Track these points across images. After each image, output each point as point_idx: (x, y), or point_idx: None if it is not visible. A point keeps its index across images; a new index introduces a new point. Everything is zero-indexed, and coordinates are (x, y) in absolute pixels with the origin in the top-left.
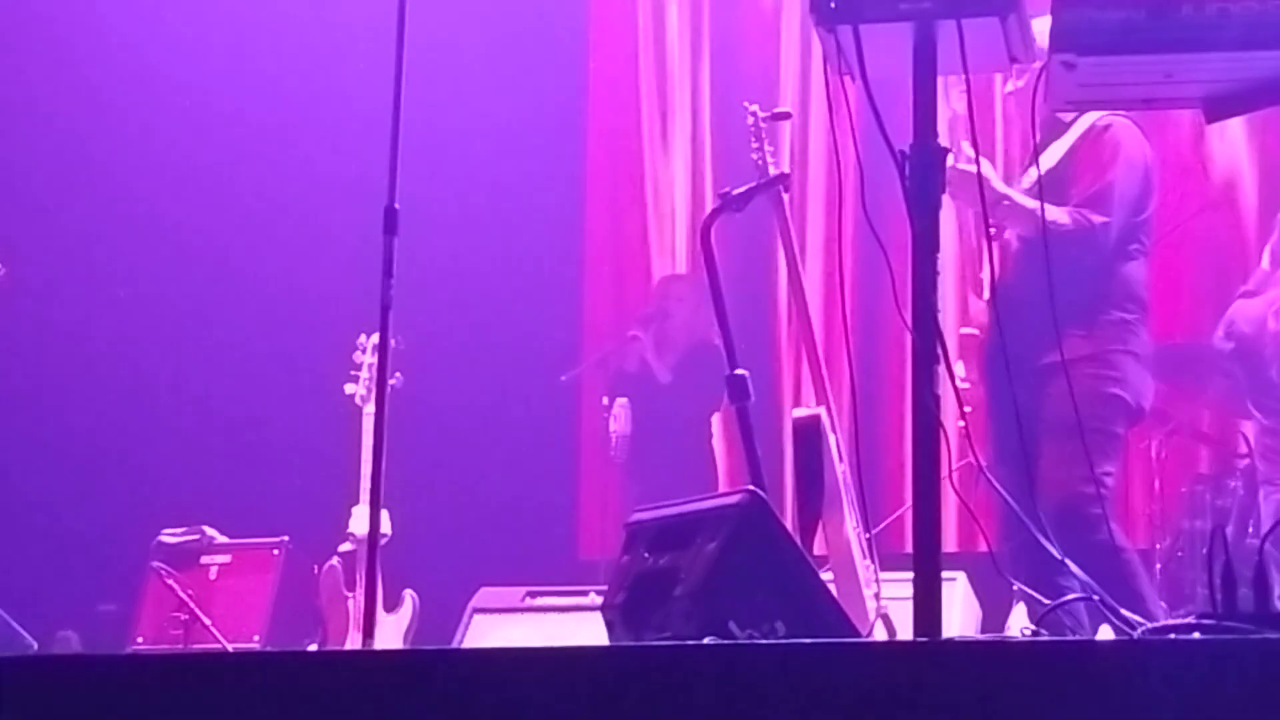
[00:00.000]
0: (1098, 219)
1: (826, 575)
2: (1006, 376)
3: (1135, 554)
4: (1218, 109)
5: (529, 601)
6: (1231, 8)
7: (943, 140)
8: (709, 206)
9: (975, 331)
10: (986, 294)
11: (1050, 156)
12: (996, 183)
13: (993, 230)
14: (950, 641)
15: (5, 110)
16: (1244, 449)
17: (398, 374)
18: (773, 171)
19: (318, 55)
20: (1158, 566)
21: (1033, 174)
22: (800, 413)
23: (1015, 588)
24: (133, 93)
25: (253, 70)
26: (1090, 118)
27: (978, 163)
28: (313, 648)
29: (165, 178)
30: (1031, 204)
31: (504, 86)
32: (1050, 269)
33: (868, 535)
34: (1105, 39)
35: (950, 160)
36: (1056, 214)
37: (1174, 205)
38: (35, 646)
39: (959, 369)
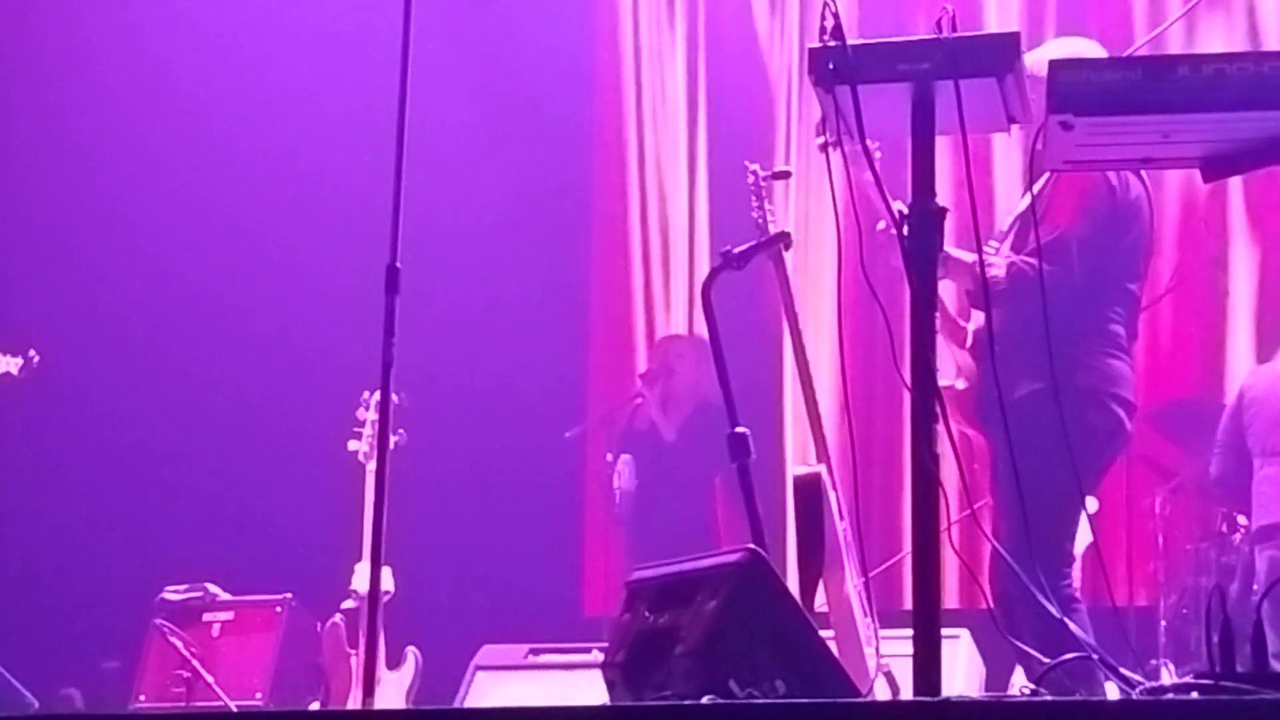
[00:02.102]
0: (1048, 268)
1: (827, 633)
2: (996, 425)
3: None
4: (1215, 168)
5: (532, 659)
6: (1228, 69)
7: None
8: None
9: (948, 383)
10: (969, 341)
11: (1023, 202)
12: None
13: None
14: (948, 701)
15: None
16: None
17: (400, 431)
18: (773, 229)
19: (321, 115)
20: (1162, 624)
21: (1007, 223)
22: (801, 470)
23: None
24: (132, 153)
25: (255, 129)
26: None
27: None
28: (315, 705)
29: (168, 235)
30: (970, 258)
31: (508, 142)
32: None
33: (868, 592)
34: (1102, 99)
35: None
36: (998, 266)
37: (1178, 261)
38: (36, 705)
39: None
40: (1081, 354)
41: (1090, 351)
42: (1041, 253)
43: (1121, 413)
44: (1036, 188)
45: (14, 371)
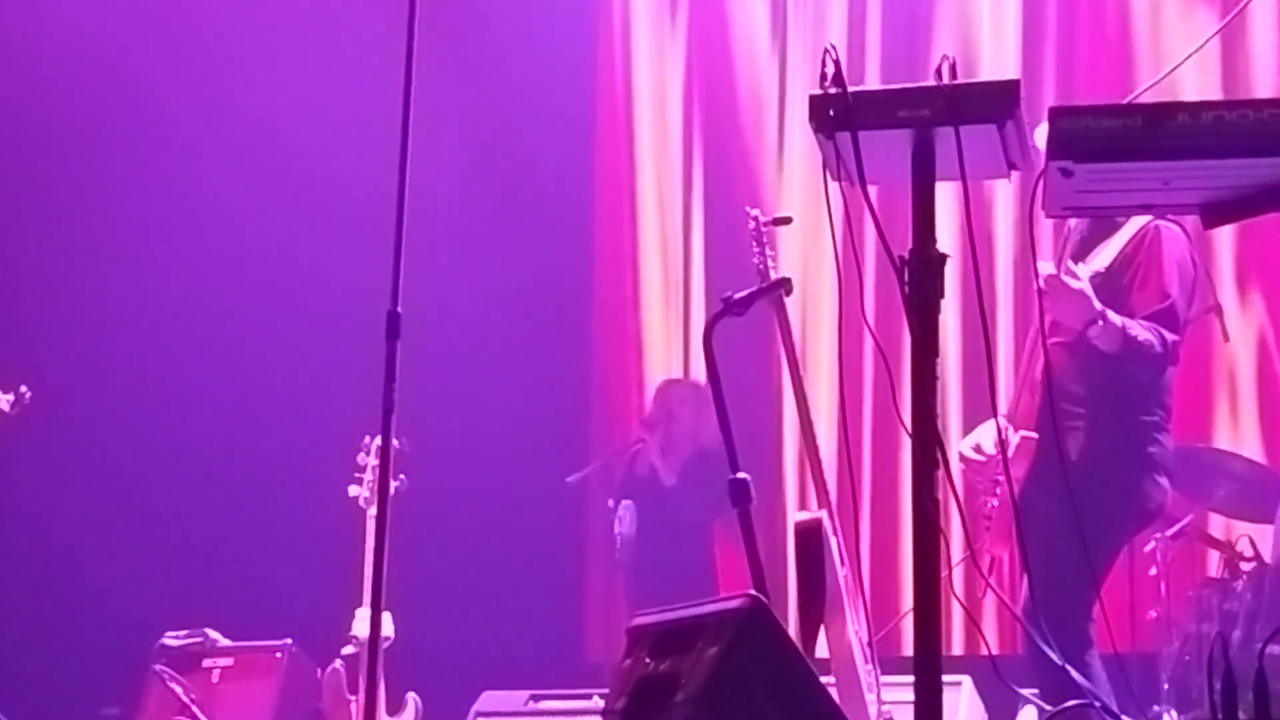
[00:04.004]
0: (1170, 336)
1: (828, 680)
2: (1051, 473)
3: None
4: (1215, 215)
5: (533, 705)
6: (1227, 115)
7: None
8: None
9: (1035, 435)
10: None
11: (1102, 259)
12: (1095, 301)
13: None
14: None
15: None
16: (1250, 552)
17: (401, 476)
18: (774, 275)
19: (322, 160)
20: (1164, 674)
21: (1085, 270)
22: (802, 517)
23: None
24: (130, 192)
25: (254, 170)
26: (1139, 220)
27: (1058, 273)
28: None
29: (169, 279)
30: (1121, 322)
31: (509, 187)
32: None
33: (869, 639)
34: (1102, 146)
35: (1050, 269)
36: (1145, 333)
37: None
38: None
39: (994, 434)
40: (1152, 425)
41: (1156, 424)
42: (1158, 318)
43: (1168, 485)
44: (1117, 246)
45: (5, 408)
